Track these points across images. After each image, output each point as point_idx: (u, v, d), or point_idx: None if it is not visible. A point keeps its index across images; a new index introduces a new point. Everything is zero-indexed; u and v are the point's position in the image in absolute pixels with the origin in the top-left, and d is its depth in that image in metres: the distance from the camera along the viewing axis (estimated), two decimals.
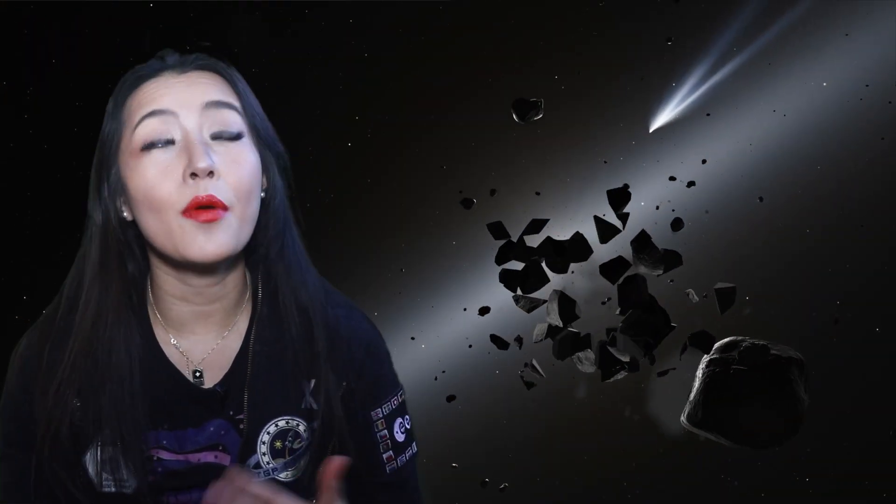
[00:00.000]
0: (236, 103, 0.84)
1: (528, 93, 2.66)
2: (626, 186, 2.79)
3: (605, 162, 3.45)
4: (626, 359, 2.55)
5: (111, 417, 0.84)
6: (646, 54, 3.01)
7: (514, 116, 2.53)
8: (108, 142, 0.83)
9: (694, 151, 3.13)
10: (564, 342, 2.70)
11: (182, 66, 0.84)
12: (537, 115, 2.51)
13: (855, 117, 2.85)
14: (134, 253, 0.88)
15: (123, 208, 0.85)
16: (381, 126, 2.83)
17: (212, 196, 0.77)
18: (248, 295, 0.93)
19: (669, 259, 2.63)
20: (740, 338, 2.57)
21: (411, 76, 2.81)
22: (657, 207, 3.25)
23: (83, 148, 0.93)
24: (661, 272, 2.64)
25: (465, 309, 3.07)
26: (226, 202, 0.79)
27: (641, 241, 2.66)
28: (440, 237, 3.00)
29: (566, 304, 2.75)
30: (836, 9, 2.86)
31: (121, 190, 0.83)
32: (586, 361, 2.62)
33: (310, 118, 2.79)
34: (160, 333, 0.89)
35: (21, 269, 2.47)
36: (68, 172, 2.32)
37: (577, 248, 2.78)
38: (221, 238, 0.79)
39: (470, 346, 2.95)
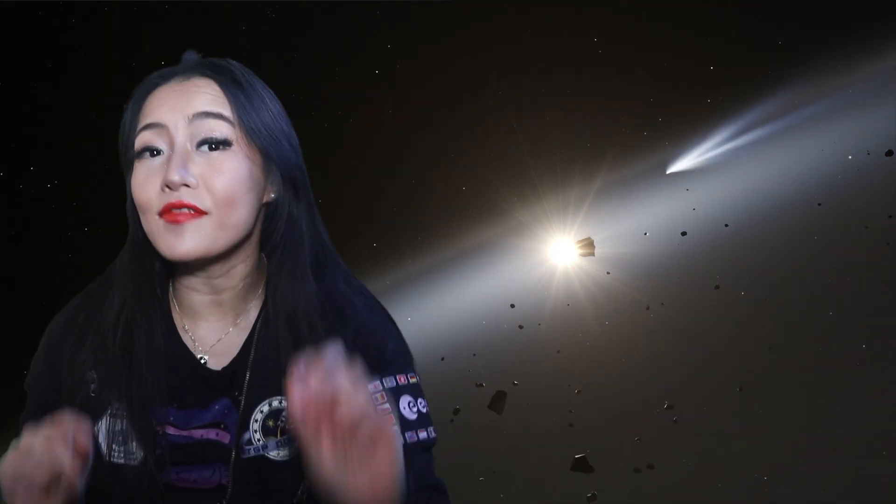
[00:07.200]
0: (227, 113, 0.87)
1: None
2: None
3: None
4: None
5: (126, 391, 0.90)
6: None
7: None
8: (126, 140, 0.90)
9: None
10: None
11: (187, 73, 0.89)
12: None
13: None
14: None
15: None
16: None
17: (181, 200, 0.83)
18: (262, 285, 0.97)
19: None
20: None
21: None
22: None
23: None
24: None
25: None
26: (202, 208, 0.84)
27: None
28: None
29: None
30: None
31: None
32: None
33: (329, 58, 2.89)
34: (178, 321, 0.96)
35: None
36: None
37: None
38: (191, 239, 0.84)
39: None
